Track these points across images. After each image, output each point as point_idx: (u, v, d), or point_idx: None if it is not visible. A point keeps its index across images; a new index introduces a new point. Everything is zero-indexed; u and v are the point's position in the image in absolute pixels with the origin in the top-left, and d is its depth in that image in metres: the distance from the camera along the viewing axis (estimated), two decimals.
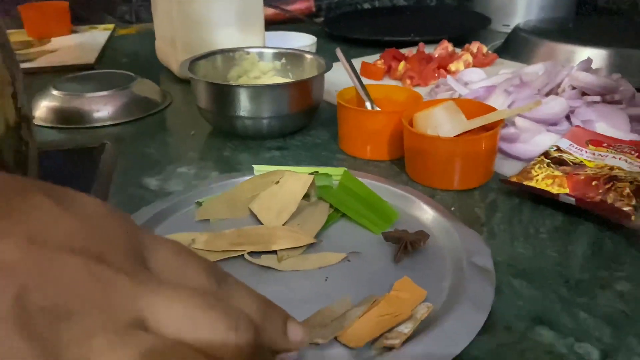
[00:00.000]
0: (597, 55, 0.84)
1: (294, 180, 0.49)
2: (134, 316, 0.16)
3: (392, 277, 0.40)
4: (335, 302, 0.38)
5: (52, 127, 0.71)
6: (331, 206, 0.49)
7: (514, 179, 0.52)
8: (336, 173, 0.53)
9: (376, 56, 0.94)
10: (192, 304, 0.17)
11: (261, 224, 0.47)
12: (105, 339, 0.15)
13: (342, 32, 1.13)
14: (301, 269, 0.42)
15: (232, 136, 0.67)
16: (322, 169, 0.53)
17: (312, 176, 0.49)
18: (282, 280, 0.41)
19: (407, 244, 0.42)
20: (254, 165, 0.55)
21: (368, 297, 0.38)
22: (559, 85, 0.68)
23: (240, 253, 0.43)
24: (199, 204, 0.50)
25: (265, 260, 0.43)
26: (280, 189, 0.49)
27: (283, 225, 0.46)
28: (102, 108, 0.72)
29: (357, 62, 0.87)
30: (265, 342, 0.22)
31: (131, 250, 0.19)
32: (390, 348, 0.33)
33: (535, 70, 0.72)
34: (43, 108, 0.73)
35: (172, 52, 0.87)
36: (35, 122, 0.61)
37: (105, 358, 0.15)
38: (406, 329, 0.34)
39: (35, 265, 0.15)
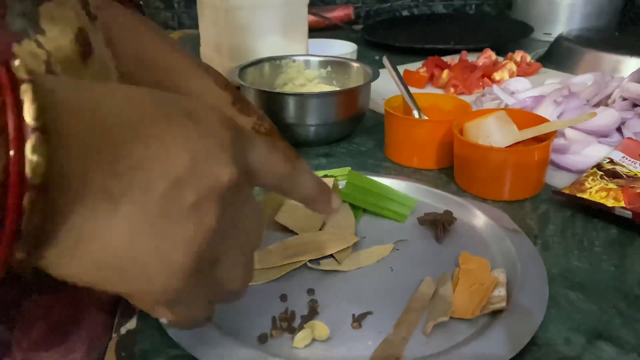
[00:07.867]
0: None
1: None
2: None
3: (445, 256, 0.44)
4: (422, 285, 0.41)
5: None
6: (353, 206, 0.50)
7: (567, 191, 0.51)
8: (341, 173, 0.54)
9: (418, 64, 0.95)
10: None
11: (294, 233, 0.47)
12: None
13: (381, 39, 1.13)
14: (363, 265, 0.44)
15: None
16: (328, 172, 0.55)
17: (332, 179, 0.50)
18: (352, 280, 0.42)
19: (444, 224, 0.46)
20: None
21: (442, 275, 0.41)
22: (609, 96, 0.67)
23: (300, 264, 0.43)
24: None
25: (326, 265, 0.43)
26: None
27: (320, 230, 0.47)
28: None
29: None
30: (317, 207, 0.32)
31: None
32: (500, 310, 0.37)
33: (583, 80, 0.72)
34: None
35: (217, 58, 0.88)
36: None
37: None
38: (501, 292, 0.39)
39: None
